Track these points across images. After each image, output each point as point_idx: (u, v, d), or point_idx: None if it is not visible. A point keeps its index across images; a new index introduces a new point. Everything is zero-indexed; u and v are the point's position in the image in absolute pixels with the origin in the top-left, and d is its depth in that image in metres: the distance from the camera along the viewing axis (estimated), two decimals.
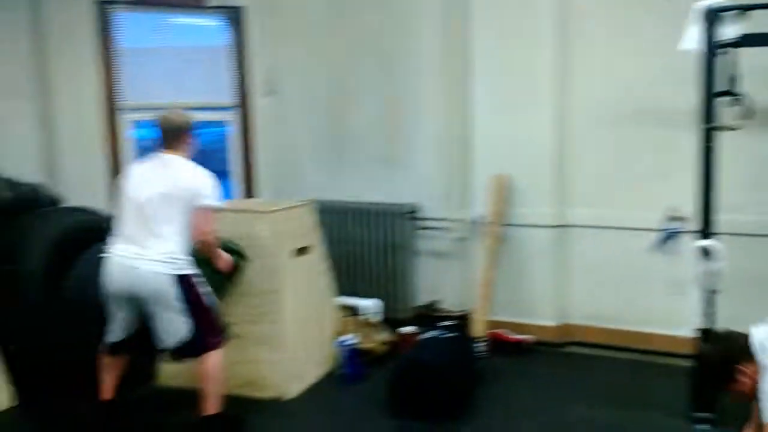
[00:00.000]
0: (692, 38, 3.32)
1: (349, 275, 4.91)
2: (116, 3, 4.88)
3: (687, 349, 3.44)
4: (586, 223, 4.48)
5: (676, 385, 3.48)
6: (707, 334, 2.44)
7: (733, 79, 3.27)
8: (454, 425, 3.38)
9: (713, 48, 3.24)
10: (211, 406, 3.21)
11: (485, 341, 4.23)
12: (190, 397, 3.27)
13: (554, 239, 4.50)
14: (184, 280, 3.11)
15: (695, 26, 3.30)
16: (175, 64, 5.23)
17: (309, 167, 5.20)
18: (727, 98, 3.29)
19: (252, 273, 3.70)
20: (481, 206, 4.61)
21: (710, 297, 3.26)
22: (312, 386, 3.85)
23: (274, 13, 5.18)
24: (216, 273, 3.36)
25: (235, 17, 5.18)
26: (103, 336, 3.27)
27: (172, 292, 3.08)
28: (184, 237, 3.15)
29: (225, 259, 3.40)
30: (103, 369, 3.29)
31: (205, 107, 5.47)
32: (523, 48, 4.42)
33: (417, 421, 3.39)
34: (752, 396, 2.34)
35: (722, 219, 3.35)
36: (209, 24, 5.25)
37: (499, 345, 4.41)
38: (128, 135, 5.08)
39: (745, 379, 2.33)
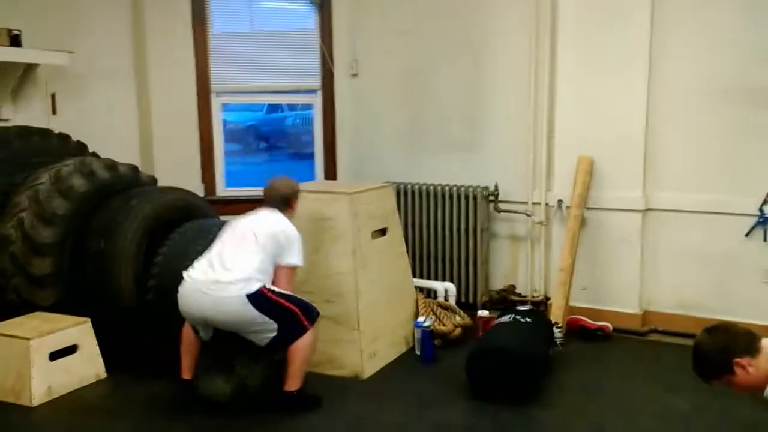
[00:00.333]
0: None
1: (427, 257, 4.95)
2: None
3: None
4: (674, 208, 4.33)
5: None
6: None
7: None
8: (530, 410, 3.37)
9: None
10: (294, 383, 3.30)
11: (564, 327, 4.17)
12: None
13: (639, 224, 4.37)
14: (257, 295, 3.17)
15: None
16: (264, 47, 5.39)
17: (389, 149, 5.24)
18: None
19: (332, 253, 3.79)
20: (562, 189, 4.53)
21: None
22: (388, 366, 3.92)
23: None
24: None
25: (323, 1, 5.25)
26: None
27: (248, 313, 3.14)
28: (263, 273, 3.23)
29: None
30: (183, 348, 3.39)
31: (291, 90, 5.63)
32: (610, 25, 4.29)
33: (492, 404, 3.40)
34: (751, 391, 2.29)
35: None
36: (297, 8, 5.37)
37: (578, 331, 4.35)
38: (220, 117, 5.30)
39: (742, 372, 2.26)
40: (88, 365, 3.70)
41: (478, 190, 4.79)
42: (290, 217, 3.48)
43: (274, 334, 3.22)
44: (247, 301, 3.14)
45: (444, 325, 4.20)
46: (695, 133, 4.23)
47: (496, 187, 4.81)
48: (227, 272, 3.19)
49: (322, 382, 3.60)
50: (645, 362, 4.00)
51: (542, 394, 3.52)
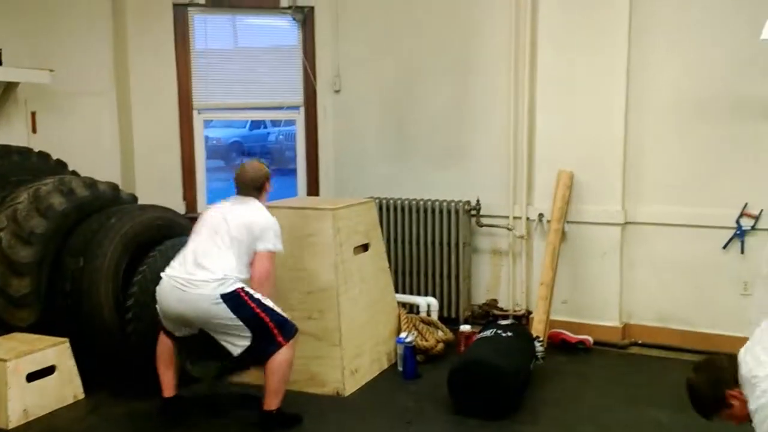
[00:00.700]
0: None
1: (410, 272, 4.96)
2: (194, 5, 5.07)
3: None
4: (653, 221, 4.38)
5: None
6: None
7: None
8: (512, 425, 3.37)
9: None
10: (272, 401, 3.26)
11: (545, 341, 4.18)
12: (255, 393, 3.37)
13: (619, 237, 4.41)
14: (233, 296, 3.14)
15: None
16: (246, 64, 5.40)
17: (371, 165, 5.26)
18: None
19: (313, 270, 3.79)
20: (543, 203, 4.56)
21: None
22: (370, 382, 3.91)
23: (342, 11, 5.25)
24: None
25: (305, 17, 5.28)
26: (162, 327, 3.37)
27: (221, 313, 3.12)
28: (240, 272, 3.22)
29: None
30: (161, 364, 3.36)
31: (274, 107, 5.64)
32: (590, 40, 4.35)
33: (475, 419, 3.40)
34: (746, 419, 2.26)
35: None
36: (280, 24, 5.39)
37: (559, 345, 4.37)
38: (201, 134, 5.30)
39: (737, 403, 2.26)
40: (66, 386, 3.66)
41: (460, 204, 4.81)
42: (263, 201, 3.44)
43: (248, 343, 3.18)
44: (221, 300, 3.11)
45: (426, 341, 4.20)
46: (673, 147, 4.29)
47: (478, 201, 4.83)
48: (203, 271, 3.16)
49: (304, 400, 3.59)
50: (625, 375, 4.02)
51: (524, 408, 3.53)
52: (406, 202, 4.97)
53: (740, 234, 4.12)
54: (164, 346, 3.37)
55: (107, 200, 4.10)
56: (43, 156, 4.39)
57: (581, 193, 4.46)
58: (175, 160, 5.19)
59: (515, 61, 4.64)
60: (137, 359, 3.56)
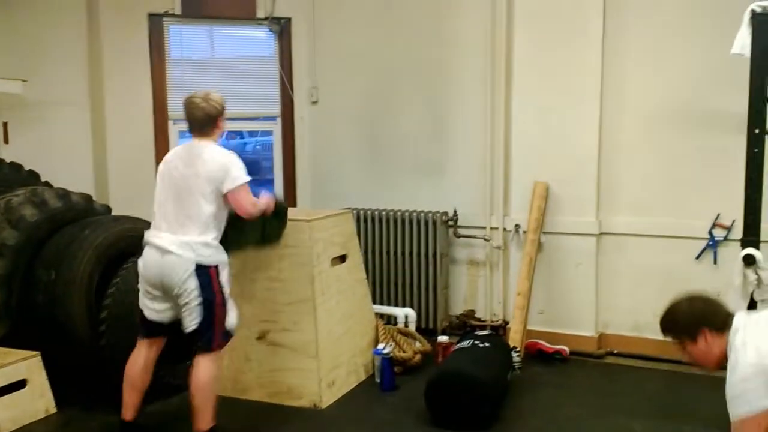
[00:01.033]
0: (744, 43, 3.25)
1: (387, 283, 4.95)
2: (169, 16, 5.05)
3: None
4: (627, 232, 4.43)
5: (716, 398, 3.36)
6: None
7: None
8: None
9: (764, 52, 3.16)
10: (202, 422, 3.07)
11: (522, 351, 4.20)
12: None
13: (594, 248, 4.45)
14: (204, 269, 3.04)
15: (747, 30, 3.23)
16: (223, 74, 5.37)
17: (348, 176, 5.26)
18: None
19: (290, 281, 3.77)
20: (519, 214, 4.59)
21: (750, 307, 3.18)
22: (347, 395, 3.89)
23: (319, 23, 5.26)
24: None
25: (282, 28, 5.28)
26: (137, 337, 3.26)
27: (191, 281, 3.02)
28: (216, 223, 3.11)
29: (266, 201, 3.34)
30: (127, 382, 3.24)
31: (251, 117, 5.62)
32: (564, 53, 4.40)
33: (452, 430, 3.39)
34: (704, 365, 2.37)
35: None
36: (257, 35, 5.38)
37: (536, 355, 4.39)
38: (177, 145, 5.25)
39: (702, 346, 2.32)
40: (38, 400, 3.59)
41: (438, 215, 4.83)
42: (217, 139, 3.24)
43: (197, 321, 3.05)
44: (193, 269, 3.01)
45: (404, 352, 4.20)
46: (647, 158, 4.35)
47: (455, 212, 4.85)
48: (178, 235, 3.05)
49: (280, 412, 3.56)
50: (601, 385, 4.04)
51: (501, 419, 3.53)
52: (384, 213, 4.97)
53: (713, 245, 4.19)
54: (135, 365, 3.24)
55: (80, 211, 4.05)
56: (15, 167, 4.33)
57: (557, 204, 4.50)
58: (149, 170, 5.11)
59: (492, 74, 4.68)
60: (110, 372, 3.48)
